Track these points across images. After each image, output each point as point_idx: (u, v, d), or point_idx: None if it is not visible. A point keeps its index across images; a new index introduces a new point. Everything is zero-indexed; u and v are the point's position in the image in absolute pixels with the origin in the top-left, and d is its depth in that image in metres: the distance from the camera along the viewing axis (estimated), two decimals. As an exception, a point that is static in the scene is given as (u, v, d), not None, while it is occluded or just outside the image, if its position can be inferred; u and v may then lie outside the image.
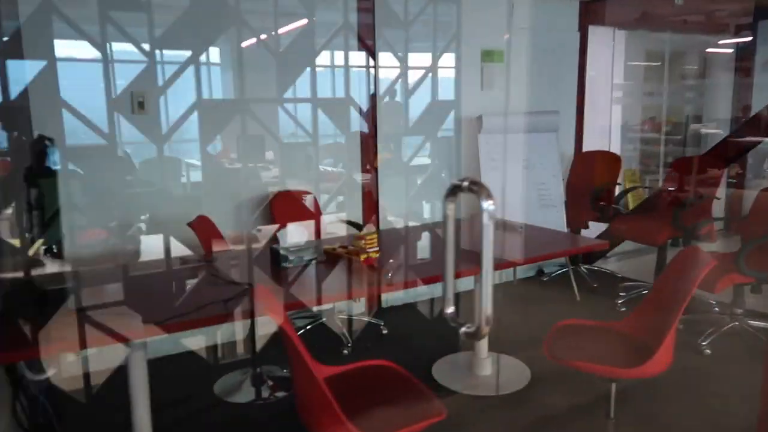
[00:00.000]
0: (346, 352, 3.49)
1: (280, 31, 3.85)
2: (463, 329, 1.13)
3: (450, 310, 1.13)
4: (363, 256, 2.61)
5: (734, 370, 3.25)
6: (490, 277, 1.07)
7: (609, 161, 4.78)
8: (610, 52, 5.87)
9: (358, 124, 4.23)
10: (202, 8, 3.34)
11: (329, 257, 2.73)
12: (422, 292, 4.36)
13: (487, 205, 1.04)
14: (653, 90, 7.92)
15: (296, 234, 2.63)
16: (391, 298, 4.28)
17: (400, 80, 4.55)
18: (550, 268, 4.96)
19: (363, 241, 2.72)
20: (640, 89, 7.75)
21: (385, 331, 3.81)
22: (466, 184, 1.08)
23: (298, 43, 3.91)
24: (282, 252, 2.58)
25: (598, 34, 5.51)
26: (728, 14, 7.08)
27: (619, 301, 4.23)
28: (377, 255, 2.69)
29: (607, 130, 6.62)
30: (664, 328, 2.14)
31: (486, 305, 1.10)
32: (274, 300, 1.84)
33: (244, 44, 3.77)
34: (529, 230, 3.34)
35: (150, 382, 2.86)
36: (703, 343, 3.46)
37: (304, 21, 4.02)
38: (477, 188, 1.06)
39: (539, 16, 4.95)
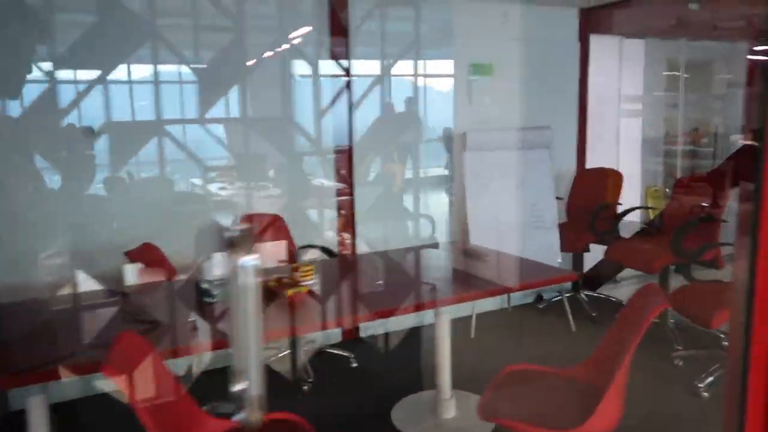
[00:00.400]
0: (306, 388, 3.27)
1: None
2: (236, 416, 0.91)
3: (239, 387, 0.90)
4: (291, 291, 2.40)
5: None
6: (255, 351, 0.85)
7: (610, 179, 4.43)
8: (616, 61, 5.52)
9: (335, 137, 4.03)
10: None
11: (264, 291, 2.52)
12: (406, 322, 4.11)
13: (246, 261, 0.82)
14: (677, 101, 7.48)
15: (224, 264, 2.44)
16: (371, 326, 4.04)
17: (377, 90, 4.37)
18: (550, 294, 4.62)
19: (299, 273, 2.52)
20: (662, 100, 7.32)
21: (354, 365, 3.57)
22: (237, 234, 0.87)
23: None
24: (205, 286, 2.40)
25: (602, 44, 5.18)
26: (762, 18, 6.59)
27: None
28: (308, 289, 2.46)
29: (622, 145, 6.23)
30: (611, 378, 1.85)
31: (254, 385, 0.87)
32: (144, 351, 1.65)
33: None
34: (499, 258, 3.06)
35: (84, 421, 2.69)
36: (701, 385, 3.08)
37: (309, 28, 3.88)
38: (239, 238, 0.84)
39: (535, 26, 4.67)
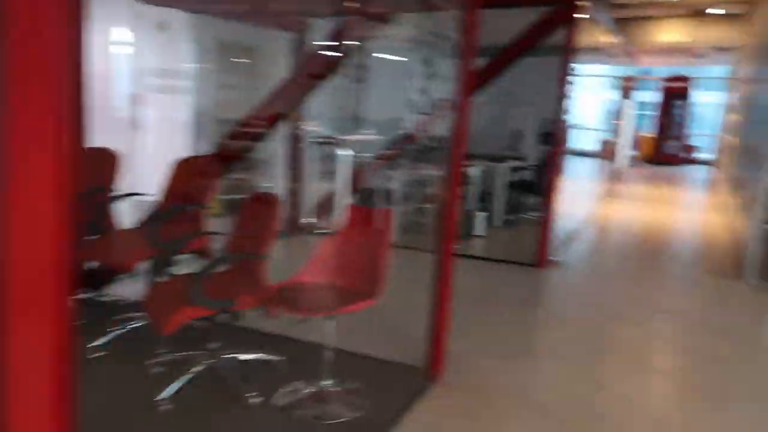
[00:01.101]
0: None
1: None
2: None
3: None
4: None
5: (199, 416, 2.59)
6: None
7: (102, 161, 3.81)
8: (137, 29, 4.95)
9: None
10: None
11: None
12: None
13: None
14: (237, 84, 7.44)
15: None
16: None
17: None
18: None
19: None
20: (215, 81, 7.14)
21: None
22: None
23: None
24: None
25: (114, 6, 4.52)
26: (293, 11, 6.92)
27: (101, 341, 3.29)
28: None
29: (165, 123, 5.75)
30: None
31: None
32: None
33: None
34: None
35: None
36: (163, 397, 2.73)
37: None
38: None
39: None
